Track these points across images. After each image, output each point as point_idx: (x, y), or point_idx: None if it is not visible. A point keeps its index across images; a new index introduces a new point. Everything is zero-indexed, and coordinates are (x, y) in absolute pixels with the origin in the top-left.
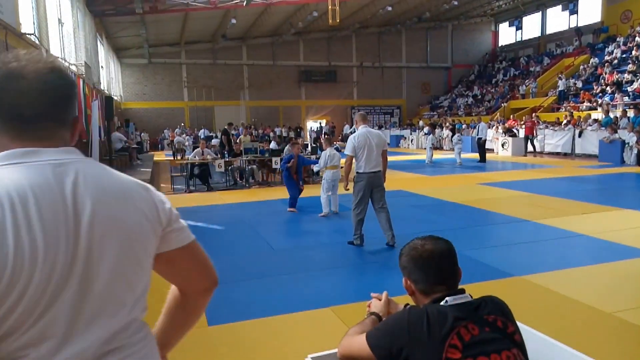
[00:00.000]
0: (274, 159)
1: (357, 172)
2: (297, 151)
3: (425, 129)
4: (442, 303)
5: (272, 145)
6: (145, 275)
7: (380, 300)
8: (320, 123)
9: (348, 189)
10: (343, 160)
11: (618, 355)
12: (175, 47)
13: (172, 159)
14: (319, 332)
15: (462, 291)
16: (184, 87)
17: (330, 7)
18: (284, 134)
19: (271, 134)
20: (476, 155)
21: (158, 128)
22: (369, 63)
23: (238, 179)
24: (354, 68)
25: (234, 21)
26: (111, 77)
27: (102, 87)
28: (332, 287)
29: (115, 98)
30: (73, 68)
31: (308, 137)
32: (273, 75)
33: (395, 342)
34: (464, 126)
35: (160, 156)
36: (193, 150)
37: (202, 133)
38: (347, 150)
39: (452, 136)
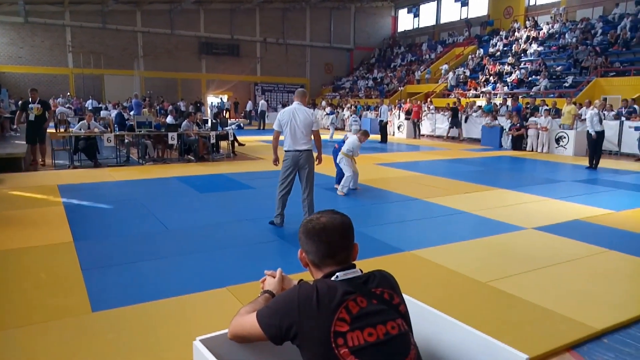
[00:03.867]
0: (170, 134)
1: (284, 150)
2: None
3: (327, 109)
4: (332, 278)
5: (169, 119)
6: None
7: (274, 277)
8: (221, 98)
9: (277, 164)
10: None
11: (490, 320)
12: (58, 6)
13: (55, 131)
14: (215, 313)
15: (353, 266)
16: (69, 52)
17: None
18: (182, 109)
19: (169, 108)
20: (377, 137)
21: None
22: (273, 39)
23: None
24: (257, 43)
25: None
26: None
27: None
28: (230, 266)
29: None
30: None
31: (208, 112)
32: (171, 45)
33: (285, 319)
34: (355, 108)
35: None
36: (78, 122)
37: (89, 104)
38: (274, 126)
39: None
